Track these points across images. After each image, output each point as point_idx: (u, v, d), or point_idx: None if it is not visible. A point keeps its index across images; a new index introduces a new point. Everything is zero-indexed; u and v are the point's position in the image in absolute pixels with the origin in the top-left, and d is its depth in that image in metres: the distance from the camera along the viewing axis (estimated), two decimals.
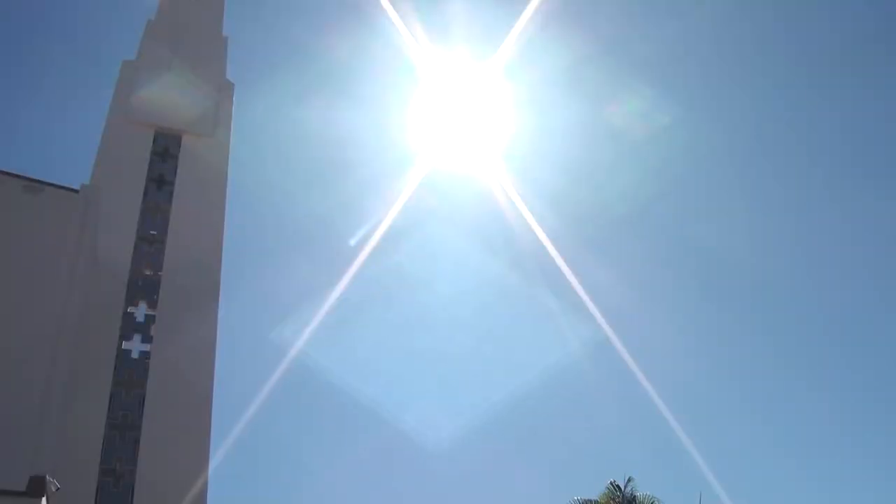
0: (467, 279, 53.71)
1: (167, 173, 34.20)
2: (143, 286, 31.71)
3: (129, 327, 30.80)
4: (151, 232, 32.84)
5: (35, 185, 28.68)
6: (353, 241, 39.58)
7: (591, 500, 27.61)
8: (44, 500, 17.36)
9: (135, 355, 30.39)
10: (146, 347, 30.57)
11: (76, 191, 29.40)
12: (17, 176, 28.64)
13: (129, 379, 29.84)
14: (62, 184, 29.52)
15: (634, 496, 27.47)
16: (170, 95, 35.12)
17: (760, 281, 60.21)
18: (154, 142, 34.58)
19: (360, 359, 49.37)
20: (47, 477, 17.72)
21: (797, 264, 60.42)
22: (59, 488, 18.26)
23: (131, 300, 31.29)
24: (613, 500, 27.29)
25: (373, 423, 50.35)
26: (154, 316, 31.22)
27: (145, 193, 33.46)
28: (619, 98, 54.95)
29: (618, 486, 27.72)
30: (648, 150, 54.16)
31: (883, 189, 62.35)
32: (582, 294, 41.61)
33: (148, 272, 32.01)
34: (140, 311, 31.27)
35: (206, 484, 28.52)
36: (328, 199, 51.88)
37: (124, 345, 30.42)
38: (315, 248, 54.22)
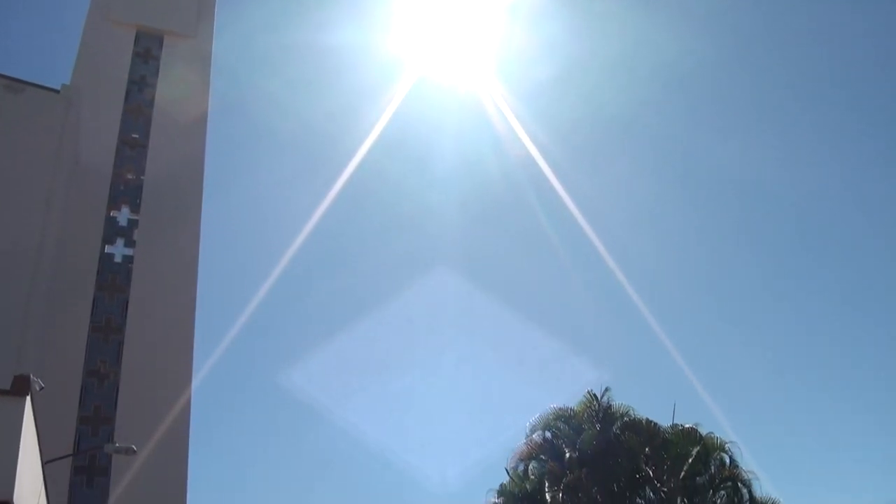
0: (456, 190, 53.64)
1: (149, 75, 33.62)
2: (126, 190, 31.48)
3: (112, 231, 30.70)
4: (133, 135, 32.44)
5: (16, 84, 28.15)
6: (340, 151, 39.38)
7: (568, 408, 28.09)
8: (28, 398, 17.47)
9: (118, 259, 30.36)
10: (129, 252, 30.53)
11: (57, 91, 28.90)
12: None
13: (113, 283, 29.86)
14: (44, 84, 29.07)
15: (610, 405, 27.91)
16: None
17: (745, 187, 61.00)
18: (135, 42, 33.89)
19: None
20: (31, 376, 17.80)
21: (780, 171, 60.78)
22: (42, 387, 18.34)
23: (114, 204, 31.09)
24: (590, 408, 27.76)
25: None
26: (137, 220, 31.07)
27: (127, 95, 32.94)
28: (610, 7, 54.22)
29: (594, 395, 28.13)
30: (638, 58, 53.74)
31: (861, 98, 62.94)
32: (571, 207, 41.77)
33: (130, 176, 31.73)
34: (123, 215, 31.13)
35: (190, 389, 28.84)
36: (316, 107, 51.40)
37: (107, 249, 30.37)
38: (302, 157, 53.94)
